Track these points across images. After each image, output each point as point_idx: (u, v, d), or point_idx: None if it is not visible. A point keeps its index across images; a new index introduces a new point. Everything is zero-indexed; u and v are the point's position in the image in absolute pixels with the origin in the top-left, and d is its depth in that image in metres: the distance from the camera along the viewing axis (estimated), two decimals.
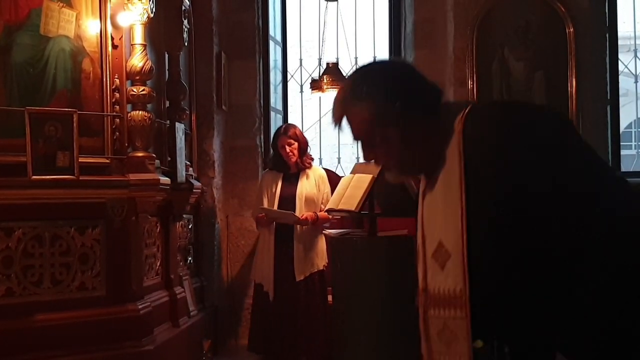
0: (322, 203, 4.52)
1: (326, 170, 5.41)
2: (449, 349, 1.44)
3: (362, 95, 1.49)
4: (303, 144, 4.56)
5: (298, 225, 4.40)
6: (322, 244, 4.51)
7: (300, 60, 6.08)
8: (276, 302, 4.37)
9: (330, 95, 5.45)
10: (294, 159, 4.51)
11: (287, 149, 4.49)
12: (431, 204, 1.50)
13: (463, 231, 1.39)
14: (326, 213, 4.47)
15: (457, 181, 1.41)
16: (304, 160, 4.55)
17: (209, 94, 5.21)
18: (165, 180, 3.87)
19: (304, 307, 4.38)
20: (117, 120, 3.64)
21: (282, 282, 4.38)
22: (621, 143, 5.38)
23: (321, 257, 4.48)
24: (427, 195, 1.53)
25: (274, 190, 4.51)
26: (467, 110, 1.45)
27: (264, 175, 4.71)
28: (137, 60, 3.68)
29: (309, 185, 4.51)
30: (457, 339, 1.41)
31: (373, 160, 1.55)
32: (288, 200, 4.45)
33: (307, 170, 4.56)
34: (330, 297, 4.49)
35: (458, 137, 1.42)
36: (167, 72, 4.39)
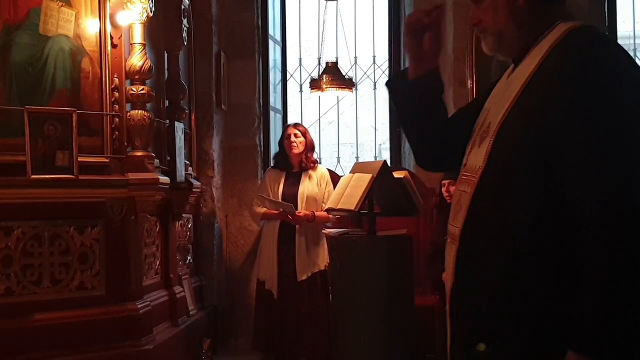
0: (323, 202, 4.52)
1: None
2: (454, 219, 1.57)
3: None
4: (309, 142, 4.59)
5: (299, 225, 4.41)
6: (324, 244, 4.52)
7: (300, 59, 6.09)
8: (279, 300, 4.38)
9: (329, 94, 5.45)
10: (296, 151, 4.51)
11: (292, 138, 4.50)
12: (504, 87, 1.57)
13: (501, 121, 1.47)
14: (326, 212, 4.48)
15: (524, 78, 1.46)
16: (308, 158, 4.56)
17: (208, 94, 5.21)
18: (164, 179, 3.87)
19: (306, 307, 4.39)
20: (117, 119, 3.64)
21: (285, 281, 4.39)
22: None
23: (323, 257, 4.48)
24: (508, 79, 1.58)
25: (276, 188, 4.52)
26: (577, 25, 1.47)
27: (268, 172, 4.72)
28: (137, 59, 3.67)
29: (311, 185, 4.52)
30: (460, 210, 1.52)
31: (476, 24, 1.58)
32: (290, 199, 4.46)
33: (310, 170, 4.57)
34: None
35: (554, 40, 1.45)
36: (166, 71, 4.38)
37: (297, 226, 4.43)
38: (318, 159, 5.97)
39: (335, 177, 4.83)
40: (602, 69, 1.36)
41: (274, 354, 4.51)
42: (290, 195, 4.46)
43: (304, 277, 4.38)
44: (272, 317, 4.43)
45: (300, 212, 4.39)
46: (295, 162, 4.57)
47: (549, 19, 1.51)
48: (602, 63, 1.37)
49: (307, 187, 4.51)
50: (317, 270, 4.44)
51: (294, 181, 4.54)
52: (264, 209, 4.54)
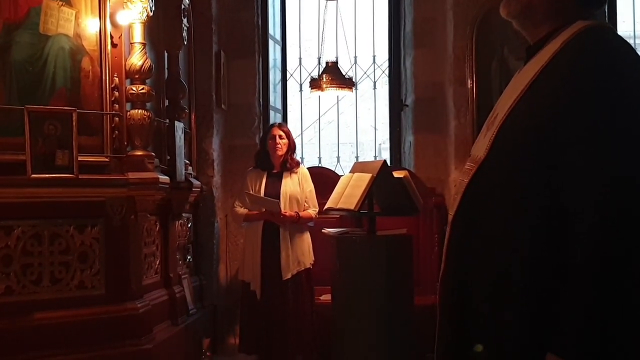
0: (305, 201, 4.52)
1: (325, 169, 5.42)
2: (451, 208, 1.56)
3: None
4: (292, 144, 4.58)
5: (283, 225, 4.40)
6: (308, 242, 4.51)
7: (300, 59, 6.09)
8: (263, 301, 4.37)
9: (329, 94, 5.45)
10: (280, 153, 4.50)
11: (277, 140, 4.49)
12: (515, 80, 1.56)
13: (506, 113, 1.46)
14: (310, 212, 4.48)
15: (534, 71, 1.45)
16: (293, 160, 4.55)
17: (208, 93, 5.21)
18: (164, 179, 3.87)
19: (292, 306, 4.38)
20: (117, 119, 3.64)
21: (270, 281, 4.37)
22: None
23: (308, 255, 4.48)
24: (519, 73, 1.57)
25: (257, 189, 4.50)
26: (592, 24, 1.45)
27: (249, 173, 4.65)
28: (137, 58, 3.67)
29: (292, 184, 4.51)
30: (456, 199, 1.52)
31: None
32: (272, 198, 4.44)
33: (291, 170, 4.56)
34: (323, 297, 4.50)
35: (568, 37, 1.44)
36: (166, 70, 4.39)
37: (280, 226, 4.41)
38: (318, 159, 5.99)
39: (334, 177, 4.82)
40: (611, 69, 1.35)
41: (265, 355, 4.48)
42: (273, 195, 4.43)
43: (289, 276, 4.37)
44: (257, 318, 4.41)
45: (286, 212, 4.38)
46: (277, 162, 4.55)
47: (573, 15, 1.49)
48: (612, 63, 1.37)
49: (289, 187, 4.49)
50: (302, 268, 4.42)
51: (275, 181, 4.52)
52: (246, 210, 4.52)
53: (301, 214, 4.44)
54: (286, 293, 4.37)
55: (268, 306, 4.37)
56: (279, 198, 4.41)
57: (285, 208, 4.39)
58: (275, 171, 4.55)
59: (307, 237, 4.51)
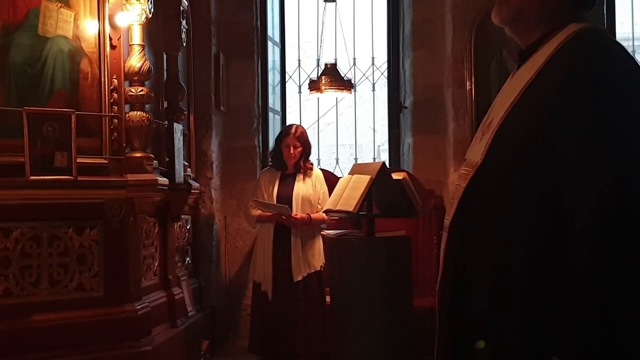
0: (318, 203, 4.52)
1: (324, 171, 5.41)
2: (448, 213, 1.57)
3: None
4: (307, 149, 4.58)
5: (295, 227, 4.40)
6: (319, 245, 4.52)
7: (299, 61, 6.09)
8: (274, 302, 4.38)
9: (328, 96, 5.45)
10: (293, 161, 4.52)
11: (291, 150, 4.50)
12: (509, 84, 1.56)
13: (503, 118, 1.46)
14: (322, 213, 4.47)
15: (529, 75, 1.45)
16: (305, 165, 4.56)
17: (207, 95, 5.21)
18: (163, 180, 3.87)
19: (302, 308, 4.39)
20: (115, 120, 3.63)
21: (281, 282, 4.38)
22: None
23: (318, 258, 4.48)
24: (513, 77, 1.58)
25: (270, 190, 4.51)
26: (586, 27, 1.46)
27: (263, 173, 4.71)
28: (136, 60, 3.67)
29: (305, 186, 4.52)
30: (453, 203, 1.53)
31: None
32: (285, 200, 4.46)
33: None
34: (328, 298, 4.50)
35: (562, 40, 1.44)
36: (165, 72, 4.38)
37: (292, 228, 4.42)
38: (317, 160, 6.00)
39: (333, 179, 4.82)
40: (606, 70, 1.36)
41: (271, 356, 4.50)
42: (285, 197, 4.46)
43: (300, 278, 4.38)
44: (267, 319, 4.42)
45: (297, 215, 4.39)
46: (291, 165, 4.57)
47: (565, 18, 1.50)
48: (607, 64, 1.37)
49: (302, 188, 4.51)
50: (312, 271, 4.43)
51: (288, 182, 4.54)
52: (259, 212, 4.53)
53: (313, 216, 4.45)
54: (297, 295, 4.39)
55: (278, 307, 4.38)
56: (291, 199, 4.43)
57: (297, 210, 4.40)
58: (288, 172, 4.57)
59: (318, 239, 4.52)
